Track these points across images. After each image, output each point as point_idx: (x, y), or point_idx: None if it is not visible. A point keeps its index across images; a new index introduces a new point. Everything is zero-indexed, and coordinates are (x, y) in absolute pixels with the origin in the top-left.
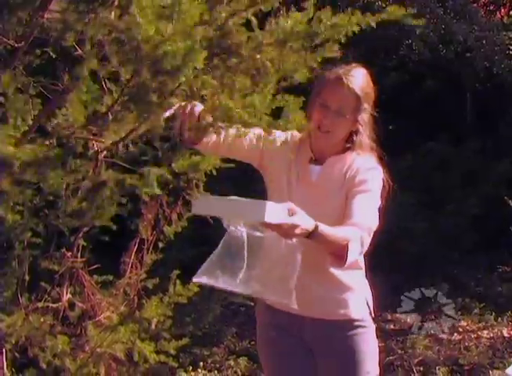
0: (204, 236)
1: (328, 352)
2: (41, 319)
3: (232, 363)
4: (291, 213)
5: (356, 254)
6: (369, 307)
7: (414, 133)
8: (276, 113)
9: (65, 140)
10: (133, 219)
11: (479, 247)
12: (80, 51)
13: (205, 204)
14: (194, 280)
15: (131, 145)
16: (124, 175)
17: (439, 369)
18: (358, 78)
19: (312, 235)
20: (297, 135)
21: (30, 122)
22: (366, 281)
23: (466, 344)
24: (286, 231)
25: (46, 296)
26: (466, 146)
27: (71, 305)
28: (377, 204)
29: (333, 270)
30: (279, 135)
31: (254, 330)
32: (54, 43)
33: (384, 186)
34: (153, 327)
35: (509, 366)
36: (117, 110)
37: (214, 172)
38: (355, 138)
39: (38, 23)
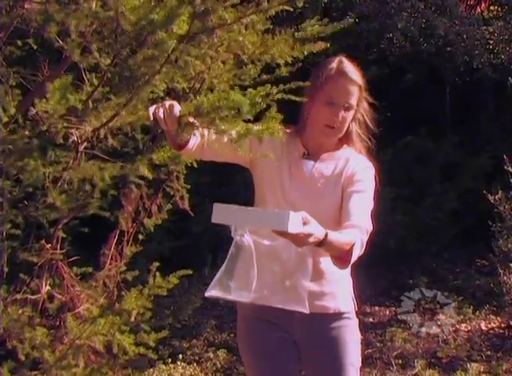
0: (184, 228)
1: (316, 345)
2: (20, 311)
3: (211, 355)
4: (305, 221)
5: (356, 256)
6: (353, 300)
7: (394, 127)
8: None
9: (45, 130)
10: (113, 211)
11: (457, 240)
12: (61, 42)
13: (225, 213)
14: (206, 295)
15: (110, 137)
16: (107, 164)
17: (417, 362)
18: (354, 68)
19: (323, 243)
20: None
21: (12, 112)
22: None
23: (445, 337)
24: (300, 239)
25: (25, 288)
26: (446, 140)
27: (50, 297)
28: (371, 205)
29: (324, 266)
30: None
31: (233, 322)
32: (35, 34)
33: (375, 184)
34: (133, 319)
35: (486, 358)
36: (97, 98)
37: (195, 164)
38: (349, 129)
39: (19, 13)
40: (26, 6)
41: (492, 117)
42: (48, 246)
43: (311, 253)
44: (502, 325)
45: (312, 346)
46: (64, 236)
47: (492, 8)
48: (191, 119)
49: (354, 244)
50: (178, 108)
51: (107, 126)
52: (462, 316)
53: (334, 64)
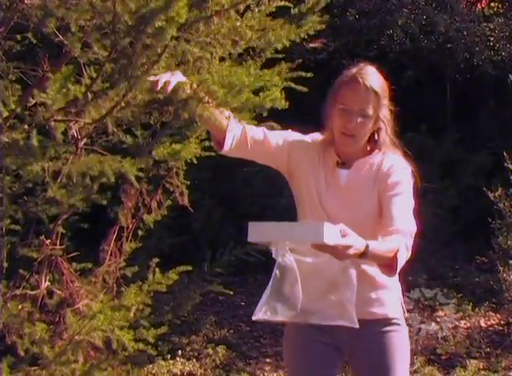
0: (184, 225)
1: (363, 349)
2: (20, 307)
3: (210, 351)
4: (343, 234)
5: (403, 261)
6: (402, 306)
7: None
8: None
9: (45, 123)
10: (113, 207)
11: (457, 237)
12: (61, 37)
13: (261, 231)
14: (254, 318)
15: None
16: (106, 157)
17: (417, 358)
18: (373, 75)
19: (364, 254)
20: (318, 137)
21: (12, 107)
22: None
23: (444, 334)
24: (340, 252)
25: (25, 283)
26: (446, 137)
27: (50, 293)
28: (412, 205)
29: (371, 271)
30: (305, 139)
31: (232, 319)
32: (34, 29)
33: (414, 183)
34: (132, 315)
35: (485, 355)
36: (96, 90)
37: (195, 161)
38: (377, 137)
39: (19, 8)
40: (26, 1)
41: (493, 114)
42: (48, 241)
43: (354, 265)
44: (502, 322)
45: (359, 351)
46: (64, 231)
47: (492, 4)
48: (189, 90)
49: (398, 251)
50: (178, 78)
51: (108, 118)
52: (461, 313)
53: (352, 70)
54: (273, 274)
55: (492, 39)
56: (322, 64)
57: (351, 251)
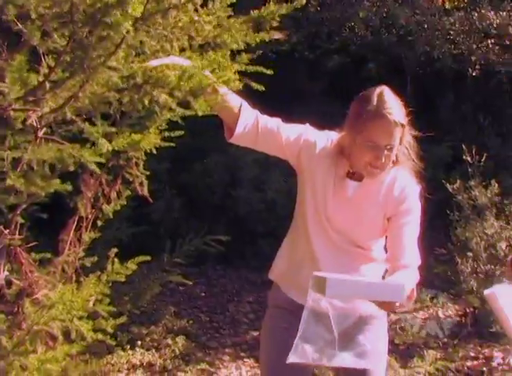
0: (143, 215)
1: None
2: None
3: (169, 341)
4: (409, 297)
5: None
6: None
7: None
8: None
9: (2, 112)
10: (72, 197)
11: None
12: (20, 26)
13: (338, 286)
14: (288, 362)
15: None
16: (66, 146)
17: None
18: (396, 106)
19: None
20: (334, 137)
21: None
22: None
23: (402, 324)
24: (393, 307)
25: None
26: None
27: (8, 283)
28: (418, 232)
29: (364, 267)
30: (320, 139)
31: (191, 309)
32: None
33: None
34: (91, 305)
35: (443, 346)
36: (55, 80)
37: (154, 151)
38: (395, 158)
39: None
40: None
41: (452, 107)
42: (7, 231)
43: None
44: (459, 313)
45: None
46: (23, 221)
47: None
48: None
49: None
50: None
51: (67, 107)
52: (419, 304)
53: (374, 103)
54: (304, 317)
55: (452, 33)
56: (284, 56)
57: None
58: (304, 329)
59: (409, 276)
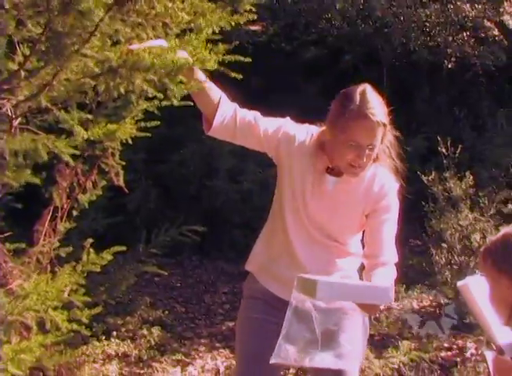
0: (119, 205)
1: None
2: None
3: (145, 332)
4: None
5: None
6: None
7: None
8: None
9: None
10: (47, 187)
11: None
12: None
13: (329, 290)
14: (271, 362)
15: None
16: (40, 136)
17: None
18: (378, 105)
19: None
20: (314, 132)
21: None
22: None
23: (377, 315)
24: (376, 309)
25: None
26: None
27: None
28: (396, 230)
29: (340, 261)
30: (299, 133)
31: (167, 300)
32: None
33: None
34: (66, 295)
35: (417, 336)
36: (29, 68)
37: (130, 141)
38: (375, 156)
39: None
40: None
41: (428, 98)
42: None
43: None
44: (434, 304)
45: None
46: None
47: None
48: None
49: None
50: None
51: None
52: (394, 295)
53: (357, 102)
54: (287, 318)
55: (428, 25)
56: (261, 47)
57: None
58: (287, 329)
59: (389, 275)
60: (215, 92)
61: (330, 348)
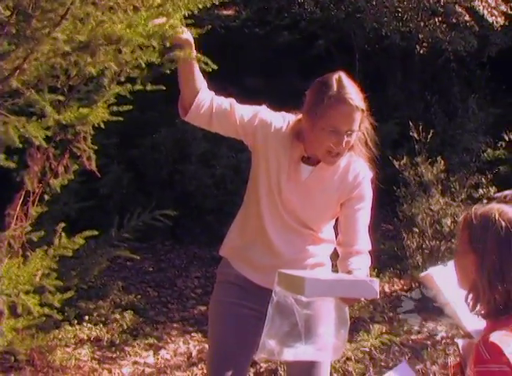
0: (91, 190)
1: None
2: None
3: (117, 316)
4: None
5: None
6: None
7: (302, 93)
8: None
9: None
10: (19, 171)
11: None
12: None
13: (316, 287)
14: (256, 358)
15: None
16: (11, 118)
17: None
18: (355, 91)
19: None
20: (291, 119)
21: None
22: None
23: None
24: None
25: None
26: None
27: None
28: (369, 219)
29: (313, 248)
30: (276, 120)
31: (139, 284)
32: None
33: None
34: (38, 279)
35: (388, 320)
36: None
37: (102, 125)
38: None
39: None
40: None
41: (399, 84)
42: None
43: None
44: (405, 287)
45: None
46: None
47: None
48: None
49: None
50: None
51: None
52: None
53: (334, 88)
54: (269, 313)
55: (400, 10)
56: (234, 31)
57: None
58: (270, 325)
59: (365, 264)
60: (200, 80)
61: (312, 341)
